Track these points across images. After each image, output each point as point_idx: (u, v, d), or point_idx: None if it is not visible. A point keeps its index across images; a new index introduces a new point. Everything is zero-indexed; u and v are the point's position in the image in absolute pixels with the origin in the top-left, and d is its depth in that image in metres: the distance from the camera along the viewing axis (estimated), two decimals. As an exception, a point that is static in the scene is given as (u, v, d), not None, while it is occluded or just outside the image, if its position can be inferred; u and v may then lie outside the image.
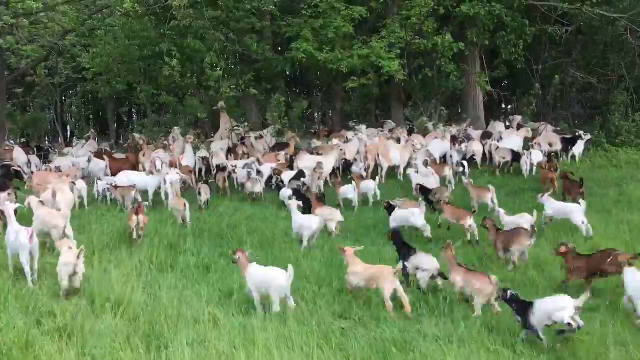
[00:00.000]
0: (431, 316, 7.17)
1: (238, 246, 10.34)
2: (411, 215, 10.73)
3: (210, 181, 15.07)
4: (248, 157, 16.66)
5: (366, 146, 15.82)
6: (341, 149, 16.12)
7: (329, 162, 15.38)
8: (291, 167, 15.61)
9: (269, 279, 7.27)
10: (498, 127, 19.18)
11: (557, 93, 20.23)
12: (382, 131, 18.65)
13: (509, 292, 6.74)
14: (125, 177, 14.17)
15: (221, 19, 17.35)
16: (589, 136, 16.96)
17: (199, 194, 13.60)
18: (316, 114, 25.73)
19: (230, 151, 17.47)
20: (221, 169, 15.54)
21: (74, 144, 20.79)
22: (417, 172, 14.29)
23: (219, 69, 16.81)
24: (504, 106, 24.10)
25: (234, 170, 15.17)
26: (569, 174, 13.15)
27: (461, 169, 14.84)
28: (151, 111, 27.80)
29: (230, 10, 17.55)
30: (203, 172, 16.79)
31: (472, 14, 18.06)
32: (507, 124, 19.62)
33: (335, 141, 17.83)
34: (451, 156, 16.93)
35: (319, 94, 25.35)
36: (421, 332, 6.64)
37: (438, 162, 16.26)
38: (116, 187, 13.43)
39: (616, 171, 16.04)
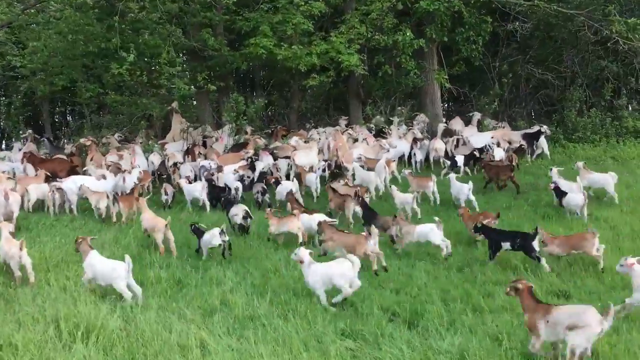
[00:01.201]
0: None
1: (209, 260, 9.66)
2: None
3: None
4: (205, 158, 15.75)
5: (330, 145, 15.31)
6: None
7: (311, 156, 14.90)
8: (252, 169, 14.85)
9: (109, 269, 7.57)
10: (456, 124, 19.08)
11: (513, 90, 20.23)
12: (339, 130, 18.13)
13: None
14: (73, 183, 12.98)
15: (174, 12, 16.28)
16: (548, 130, 17.03)
17: (165, 193, 12.98)
18: (270, 113, 24.86)
19: (188, 152, 16.46)
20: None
21: (12, 147, 19.16)
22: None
23: (176, 65, 15.77)
24: (456, 104, 24.03)
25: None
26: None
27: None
28: (89, 112, 26.24)
29: (185, 2, 16.49)
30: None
31: (431, 10, 17.78)
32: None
33: (293, 140, 17.18)
34: (414, 154, 16.69)
35: (274, 92, 24.51)
36: (433, 348, 6.09)
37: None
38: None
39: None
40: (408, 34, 17.57)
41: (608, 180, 12.06)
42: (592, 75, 19.91)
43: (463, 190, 12.24)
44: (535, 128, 17.23)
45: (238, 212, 11.03)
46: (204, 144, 16.94)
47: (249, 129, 17.62)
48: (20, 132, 21.95)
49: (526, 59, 19.81)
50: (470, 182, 12.40)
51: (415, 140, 17.04)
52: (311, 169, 14.70)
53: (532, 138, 16.48)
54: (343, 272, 7.42)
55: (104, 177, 13.51)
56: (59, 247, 9.77)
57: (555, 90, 19.84)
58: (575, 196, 11.17)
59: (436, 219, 9.74)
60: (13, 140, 24.19)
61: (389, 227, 10.23)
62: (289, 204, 11.82)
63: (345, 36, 17.52)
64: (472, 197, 12.26)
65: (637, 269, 6.61)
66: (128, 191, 12.88)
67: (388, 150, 15.70)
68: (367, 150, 15.91)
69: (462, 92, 20.32)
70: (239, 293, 7.77)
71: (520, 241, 8.80)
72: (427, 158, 16.98)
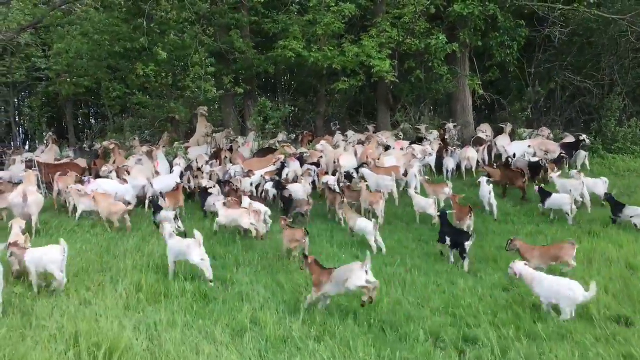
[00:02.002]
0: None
1: (234, 267, 9.15)
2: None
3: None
4: (231, 163, 15.27)
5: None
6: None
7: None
8: (279, 175, 14.35)
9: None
10: (486, 131, 18.39)
11: (550, 98, 19.43)
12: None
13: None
14: (97, 186, 12.60)
15: (202, 13, 15.87)
16: (588, 140, 16.26)
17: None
18: (291, 118, 24.29)
19: (215, 156, 15.98)
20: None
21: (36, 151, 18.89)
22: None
23: (207, 66, 15.35)
24: (488, 111, 23.26)
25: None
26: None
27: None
28: (112, 114, 26.03)
29: (214, 3, 16.09)
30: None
31: (465, 14, 17.16)
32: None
33: (320, 146, 16.65)
34: (446, 163, 16.05)
35: (298, 97, 23.99)
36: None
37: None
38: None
39: (619, 180, 15.37)
40: (441, 38, 16.94)
41: (598, 185, 12.56)
42: (632, 84, 19.07)
43: (484, 193, 12.57)
44: (573, 138, 16.49)
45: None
46: (231, 149, 16.44)
47: (280, 136, 17.08)
48: (43, 133, 21.67)
49: (563, 66, 19.02)
50: (491, 186, 12.65)
51: (446, 149, 16.42)
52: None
53: (571, 148, 15.70)
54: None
55: (125, 180, 13.13)
56: (79, 255, 9.30)
57: (593, 98, 19.00)
58: (560, 197, 11.69)
59: (373, 220, 10.45)
60: (37, 142, 24.02)
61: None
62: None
63: (377, 40, 16.96)
64: (494, 202, 12.45)
65: (526, 273, 7.56)
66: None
67: (425, 158, 15.13)
68: (399, 157, 15.29)
69: (495, 99, 19.57)
70: (270, 311, 7.21)
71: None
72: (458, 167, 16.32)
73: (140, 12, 16.10)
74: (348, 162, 14.85)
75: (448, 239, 9.60)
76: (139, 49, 15.20)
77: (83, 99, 27.23)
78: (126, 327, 6.22)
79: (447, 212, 10.42)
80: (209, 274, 8.27)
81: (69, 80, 18.64)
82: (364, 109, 22.80)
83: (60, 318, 6.56)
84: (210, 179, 14.05)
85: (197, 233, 8.40)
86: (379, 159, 15.24)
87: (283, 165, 14.79)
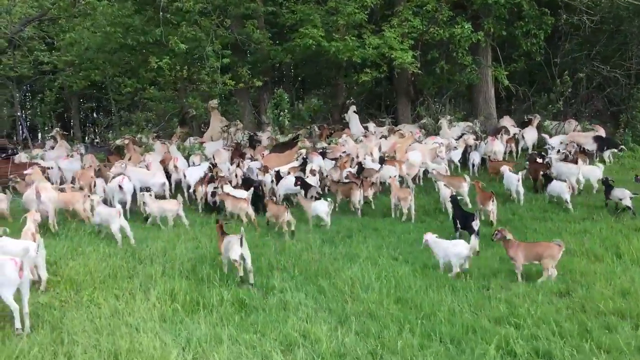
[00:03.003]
0: None
1: (268, 271, 8.60)
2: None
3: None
4: (252, 160, 14.73)
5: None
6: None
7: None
8: (303, 170, 13.81)
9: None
10: (507, 123, 17.80)
11: (579, 88, 18.73)
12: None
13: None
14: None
15: (217, 3, 15.22)
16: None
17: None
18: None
19: (235, 153, 15.39)
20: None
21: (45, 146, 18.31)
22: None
23: (224, 57, 14.72)
24: (508, 103, 22.59)
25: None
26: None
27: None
28: (118, 109, 25.45)
29: (229, -8, 15.46)
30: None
31: (490, 2, 16.51)
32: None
33: (343, 139, 16.12)
34: (472, 157, 15.48)
35: (313, 90, 23.32)
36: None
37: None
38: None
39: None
40: (467, 27, 16.30)
41: (595, 172, 12.77)
42: (663, 74, 18.44)
43: (512, 181, 12.60)
44: (603, 131, 15.88)
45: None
46: (251, 144, 15.86)
47: (302, 131, 16.52)
48: (52, 127, 21.07)
49: (591, 55, 18.35)
50: (520, 174, 12.73)
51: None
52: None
53: (603, 142, 15.10)
54: None
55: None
56: (104, 260, 8.75)
57: (621, 89, 18.33)
58: (559, 185, 12.03)
59: (329, 199, 11.36)
60: (47, 137, 23.43)
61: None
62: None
63: (398, 30, 16.32)
64: (521, 189, 12.52)
65: (430, 240, 8.77)
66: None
67: (455, 148, 14.63)
68: (424, 152, 14.73)
69: (521, 91, 18.93)
70: (317, 322, 6.66)
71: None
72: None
73: (153, 3, 15.48)
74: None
75: (458, 222, 10.20)
76: (152, 41, 14.57)
77: (88, 92, 26.66)
78: (168, 344, 5.66)
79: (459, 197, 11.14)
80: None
81: (79, 73, 17.99)
82: (383, 101, 22.15)
83: (94, 333, 6.01)
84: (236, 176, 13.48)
85: (118, 205, 10.13)
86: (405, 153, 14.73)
87: (305, 161, 14.28)
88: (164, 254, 9.23)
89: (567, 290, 7.83)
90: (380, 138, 15.99)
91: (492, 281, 8.27)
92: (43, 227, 10.34)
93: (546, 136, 15.80)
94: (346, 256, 9.35)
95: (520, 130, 16.58)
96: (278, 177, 13.34)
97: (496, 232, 8.67)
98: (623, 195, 11.21)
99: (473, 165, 15.45)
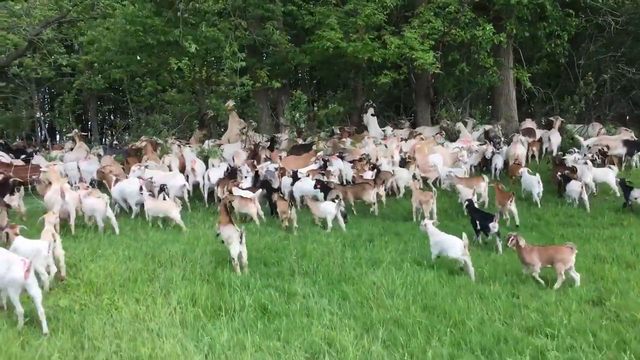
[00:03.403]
0: None
1: (290, 276, 8.41)
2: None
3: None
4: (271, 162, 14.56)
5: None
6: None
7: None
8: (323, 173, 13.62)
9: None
10: (529, 125, 17.47)
11: (603, 91, 18.34)
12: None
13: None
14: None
15: (236, 4, 15.11)
16: None
17: None
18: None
19: (254, 155, 15.25)
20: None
21: (64, 148, 18.30)
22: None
23: (241, 60, 14.61)
24: (529, 105, 22.22)
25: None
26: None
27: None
28: (136, 110, 25.48)
29: (249, -7, 15.33)
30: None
31: (512, 2, 16.23)
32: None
33: (364, 142, 15.93)
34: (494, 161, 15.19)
35: (330, 92, 23.08)
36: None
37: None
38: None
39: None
40: (489, 28, 16.02)
41: (609, 174, 12.71)
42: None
43: (533, 182, 12.57)
44: (629, 135, 15.50)
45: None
46: (271, 147, 15.71)
47: (321, 134, 16.38)
48: (71, 128, 21.09)
49: (616, 57, 17.96)
50: (537, 175, 12.70)
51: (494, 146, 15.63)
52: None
53: (632, 147, 14.73)
54: None
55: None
56: (123, 262, 8.63)
57: (647, 90, 17.96)
58: (574, 185, 12.21)
59: (336, 201, 11.24)
60: (65, 139, 23.51)
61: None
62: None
63: (419, 31, 16.09)
64: (540, 189, 12.57)
65: (430, 227, 9.02)
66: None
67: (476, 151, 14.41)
68: (445, 156, 14.48)
69: (543, 93, 18.59)
70: (342, 329, 6.46)
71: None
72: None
73: (172, 5, 15.41)
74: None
75: (478, 223, 10.09)
76: (171, 41, 14.49)
77: (106, 95, 26.73)
78: (190, 350, 5.50)
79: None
80: None
81: (98, 74, 17.98)
82: (402, 104, 21.90)
83: (115, 338, 5.86)
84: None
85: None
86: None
87: (325, 164, 14.11)
88: (183, 257, 9.07)
89: (600, 298, 7.55)
90: (401, 141, 15.75)
91: (521, 288, 8.02)
92: (63, 227, 10.28)
93: (581, 139, 15.45)
94: (369, 261, 9.13)
95: (545, 132, 16.27)
96: (295, 178, 13.20)
97: (511, 237, 8.41)
98: None
99: (495, 169, 15.19)
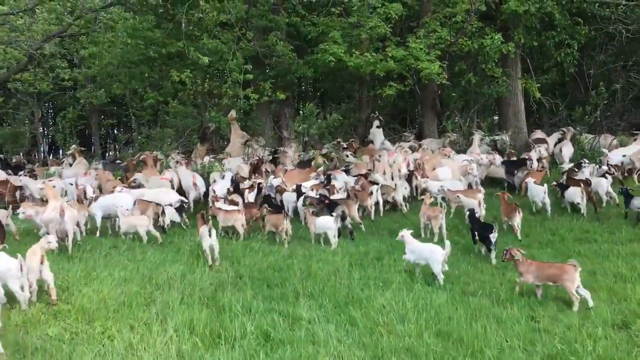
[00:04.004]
0: None
1: (294, 299, 7.95)
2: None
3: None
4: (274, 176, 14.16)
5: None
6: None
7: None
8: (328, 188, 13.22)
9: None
10: (539, 137, 17.04)
11: (614, 101, 17.87)
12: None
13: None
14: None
15: (239, 15, 14.78)
16: None
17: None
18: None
19: (255, 169, 14.85)
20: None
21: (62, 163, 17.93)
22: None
23: (243, 72, 14.28)
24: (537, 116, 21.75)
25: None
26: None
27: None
28: (138, 124, 25.16)
29: (253, 4, 14.98)
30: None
31: (520, 11, 15.85)
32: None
33: (366, 158, 15.52)
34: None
35: (334, 104, 22.74)
36: None
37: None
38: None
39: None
40: (497, 37, 15.63)
41: (602, 183, 12.65)
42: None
43: (539, 192, 12.44)
44: None
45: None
46: (274, 160, 15.31)
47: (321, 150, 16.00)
48: (72, 143, 20.72)
49: (627, 66, 17.53)
50: (546, 185, 12.58)
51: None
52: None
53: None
54: None
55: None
56: (118, 285, 8.18)
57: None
58: (574, 190, 12.26)
59: (334, 214, 10.78)
60: (65, 154, 23.21)
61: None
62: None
63: (425, 41, 15.72)
64: (547, 200, 12.38)
65: (407, 237, 9.01)
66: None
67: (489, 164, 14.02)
68: (454, 169, 14.04)
69: (552, 103, 18.16)
70: (351, 358, 6.01)
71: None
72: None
73: (173, 18, 15.12)
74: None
75: (477, 234, 10.05)
76: (174, 53, 14.17)
77: (108, 109, 26.46)
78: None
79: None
80: None
81: (100, 89, 17.67)
82: (408, 115, 21.50)
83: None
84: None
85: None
86: (433, 170, 14.09)
87: (329, 178, 13.70)
88: (182, 278, 8.64)
89: (624, 322, 7.08)
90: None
91: (540, 310, 7.55)
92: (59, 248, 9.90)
93: (605, 150, 14.99)
94: (377, 281, 8.66)
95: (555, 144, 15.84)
96: (299, 192, 12.80)
97: (504, 251, 8.26)
98: None
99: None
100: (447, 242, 8.64)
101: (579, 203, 12.18)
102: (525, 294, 8.21)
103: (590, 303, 7.52)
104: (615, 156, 14.50)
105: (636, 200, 11.41)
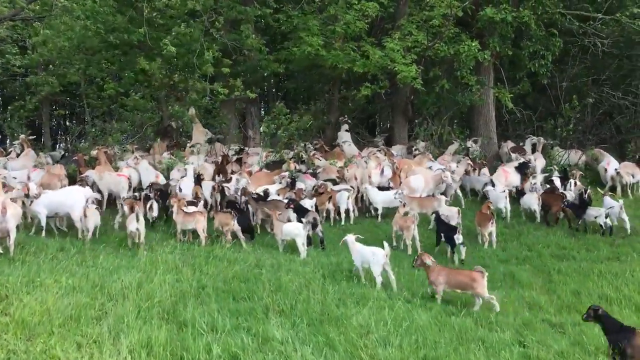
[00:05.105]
0: None
1: (263, 314, 7.22)
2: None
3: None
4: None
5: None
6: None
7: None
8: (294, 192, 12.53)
9: None
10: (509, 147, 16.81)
11: (585, 115, 17.79)
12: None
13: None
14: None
15: (208, 4, 13.89)
16: None
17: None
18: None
19: (219, 170, 13.96)
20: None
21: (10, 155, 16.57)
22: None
23: (222, 66, 13.49)
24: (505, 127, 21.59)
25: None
26: None
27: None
28: (92, 116, 23.77)
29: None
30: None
31: (497, 19, 15.56)
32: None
33: (339, 163, 14.88)
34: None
35: (305, 105, 21.93)
36: None
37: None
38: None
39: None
40: (474, 44, 15.27)
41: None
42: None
43: (499, 197, 12.62)
44: None
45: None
46: (239, 161, 14.50)
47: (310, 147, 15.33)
48: (21, 135, 19.24)
49: (600, 81, 17.47)
50: (506, 191, 12.81)
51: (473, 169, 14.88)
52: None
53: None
54: None
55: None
56: (66, 294, 7.26)
57: (632, 117, 17.45)
58: (530, 196, 12.69)
59: (304, 220, 10.44)
60: (13, 145, 21.70)
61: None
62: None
63: (401, 43, 15.20)
64: (508, 206, 12.63)
65: (349, 241, 8.90)
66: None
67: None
68: (428, 178, 13.55)
69: (525, 114, 17.96)
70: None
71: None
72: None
73: (133, 4, 14.15)
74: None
75: (442, 235, 10.45)
76: (136, 42, 13.19)
77: (60, 98, 24.97)
78: None
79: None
80: None
81: (53, 76, 16.41)
82: (379, 120, 20.99)
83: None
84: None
85: None
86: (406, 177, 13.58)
87: (294, 182, 13.03)
88: (138, 288, 7.74)
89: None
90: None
91: (527, 334, 7.08)
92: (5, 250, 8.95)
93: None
94: (353, 296, 8.02)
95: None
96: (266, 196, 12.04)
97: (415, 258, 8.45)
98: (598, 213, 11.65)
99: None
100: (386, 244, 8.54)
101: (535, 210, 12.48)
102: (511, 315, 7.75)
103: (497, 309, 7.73)
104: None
105: (592, 210, 11.86)
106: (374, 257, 8.49)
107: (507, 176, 13.89)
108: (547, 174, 14.13)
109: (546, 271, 9.70)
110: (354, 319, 7.09)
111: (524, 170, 14.03)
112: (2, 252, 9.01)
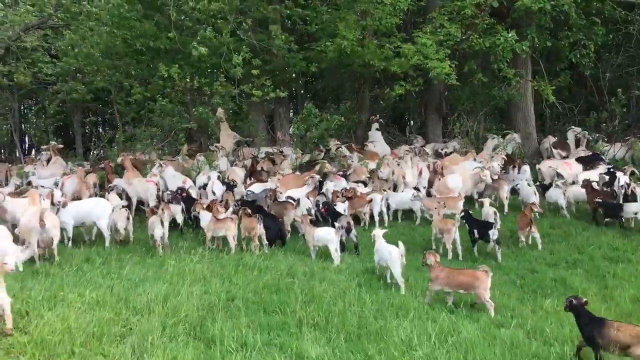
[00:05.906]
0: None
1: (297, 328, 6.73)
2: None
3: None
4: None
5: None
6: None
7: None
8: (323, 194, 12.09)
9: None
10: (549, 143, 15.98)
11: (625, 109, 16.78)
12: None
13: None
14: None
15: (235, 4, 13.52)
16: None
17: None
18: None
19: (251, 173, 13.59)
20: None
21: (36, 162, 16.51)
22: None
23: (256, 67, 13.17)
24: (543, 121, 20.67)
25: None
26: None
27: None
28: (122, 122, 23.71)
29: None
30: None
31: (535, 9, 14.77)
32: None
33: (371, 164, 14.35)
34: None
35: (335, 105, 21.45)
36: None
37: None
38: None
39: None
40: (511, 35, 14.52)
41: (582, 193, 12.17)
42: None
43: (529, 193, 12.26)
44: None
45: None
46: (272, 162, 14.11)
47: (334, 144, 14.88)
48: (50, 142, 19.22)
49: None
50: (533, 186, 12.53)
51: (512, 166, 14.14)
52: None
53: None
54: None
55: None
56: (90, 309, 6.91)
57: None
58: (556, 191, 12.30)
59: (337, 225, 10.03)
60: (41, 152, 21.77)
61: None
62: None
63: (433, 37, 14.56)
64: (537, 199, 12.13)
65: (377, 236, 8.64)
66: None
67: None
68: (466, 177, 12.90)
69: (566, 108, 17.08)
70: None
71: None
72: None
73: (160, 8, 13.88)
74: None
75: (475, 232, 9.93)
76: (162, 48, 12.91)
77: (92, 105, 25.07)
78: None
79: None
80: None
81: (82, 84, 16.32)
82: (410, 118, 20.34)
83: None
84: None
85: None
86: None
87: (321, 184, 12.55)
88: (165, 301, 7.35)
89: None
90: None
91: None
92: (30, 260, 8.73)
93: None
94: (392, 307, 7.46)
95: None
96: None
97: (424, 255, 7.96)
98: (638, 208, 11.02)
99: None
100: (400, 243, 8.32)
101: (561, 205, 12.13)
102: (564, 325, 7.08)
103: (492, 314, 7.22)
104: None
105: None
106: (390, 256, 8.19)
107: (571, 167, 13.31)
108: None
109: (600, 275, 8.95)
110: (395, 332, 6.55)
111: (594, 162, 13.35)
112: (49, 257, 9.08)
